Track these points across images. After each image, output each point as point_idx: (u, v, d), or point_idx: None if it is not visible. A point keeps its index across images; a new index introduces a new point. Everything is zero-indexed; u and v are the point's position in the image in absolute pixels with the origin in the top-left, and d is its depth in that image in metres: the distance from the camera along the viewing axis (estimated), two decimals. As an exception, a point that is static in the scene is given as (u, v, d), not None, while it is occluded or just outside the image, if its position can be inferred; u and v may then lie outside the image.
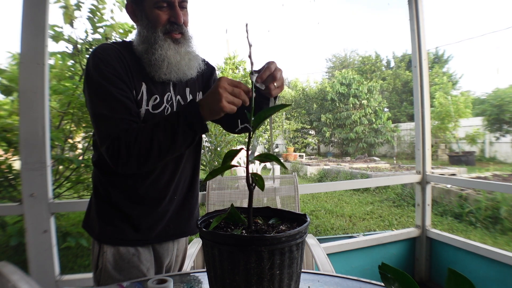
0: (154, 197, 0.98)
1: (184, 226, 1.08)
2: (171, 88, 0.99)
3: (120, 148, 0.81)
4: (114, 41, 1.10)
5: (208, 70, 1.12)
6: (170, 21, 0.91)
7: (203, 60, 1.06)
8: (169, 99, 0.98)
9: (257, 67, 0.82)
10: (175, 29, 0.92)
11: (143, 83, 0.93)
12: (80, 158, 2.64)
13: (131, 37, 1.01)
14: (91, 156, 1.05)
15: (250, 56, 0.71)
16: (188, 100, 1.03)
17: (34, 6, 1.50)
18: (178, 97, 1.01)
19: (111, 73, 0.87)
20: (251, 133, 0.69)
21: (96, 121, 0.88)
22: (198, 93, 1.07)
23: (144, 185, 0.97)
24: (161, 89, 0.97)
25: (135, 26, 0.98)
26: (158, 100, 0.95)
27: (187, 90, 1.04)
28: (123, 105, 0.86)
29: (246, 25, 0.71)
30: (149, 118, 0.93)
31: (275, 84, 0.83)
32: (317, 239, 1.69)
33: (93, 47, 2.32)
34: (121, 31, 2.52)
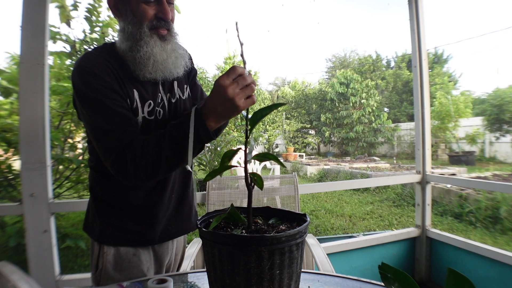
0: (152, 197, 0.98)
1: (185, 223, 1.08)
2: (161, 88, 0.96)
3: (126, 164, 0.79)
4: (96, 46, 1.06)
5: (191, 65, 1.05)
6: (157, 16, 0.86)
7: (189, 56, 1.01)
8: (159, 101, 0.95)
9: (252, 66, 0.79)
10: (162, 25, 0.87)
11: (134, 90, 0.89)
12: (80, 158, 2.64)
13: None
14: (88, 160, 1.04)
15: (242, 55, 0.70)
16: (177, 96, 0.99)
17: (34, 6, 1.50)
18: (168, 94, 0.98)
19: (101, 85, 0.82)
20: (249, 132, 0.69)
21: (96, 136, 0.85)
22: (186, 87, 1.03)
23: (142, 186, 0.97)
24: (152, 92, 0.93)
25: (118, 22, 0.93)
26: (152, 105, 0.92)
27: (175, 83, 0.99)
28: (121, 116, 0.82)
29: (236, 23, 0.70)
30: (146, 124, 0.91)
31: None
32: (317, 239, 1.69)
33: (91, 47, 2.30)
34: (117, 27, 2.52)
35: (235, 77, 0.72)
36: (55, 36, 2.36)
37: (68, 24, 2.39)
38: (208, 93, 0.85)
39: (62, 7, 2.29)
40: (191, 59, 1.06)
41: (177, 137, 0.77)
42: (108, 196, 0.97)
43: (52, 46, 2.40)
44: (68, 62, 2.54)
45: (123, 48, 0.88)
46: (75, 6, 2.38)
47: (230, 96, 0.71)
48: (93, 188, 1.00)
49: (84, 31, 2.50)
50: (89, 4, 2.44)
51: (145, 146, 0.79)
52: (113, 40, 1.24)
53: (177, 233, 1.07)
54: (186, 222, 1.08)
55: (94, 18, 2.47)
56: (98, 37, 2.52)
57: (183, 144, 0.76)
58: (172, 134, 0.78)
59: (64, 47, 2.48)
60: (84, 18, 2.44)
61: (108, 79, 0.84)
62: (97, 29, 2.50)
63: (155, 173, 0.80)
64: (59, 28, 2.38)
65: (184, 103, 1.02)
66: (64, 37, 2.43)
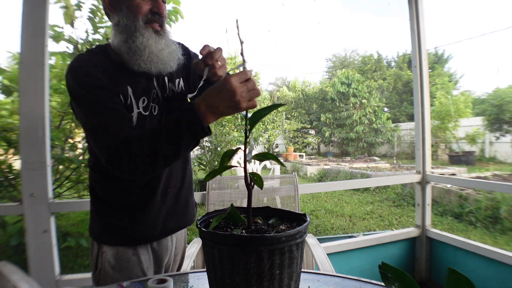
0: (150, 194, 0.98)
1: (183, 218, 1.08)
2: (155, 84, 0.97)
3: (122, 161, 0.79)
4: (88, 48, 1.07)
5: (186, 54, 1.06)
6: (152, 11, 0.89)
7: (179, 43, 1.02)
8: (154, 96, 0.96)
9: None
10: (156, 20, 0.90)
11: (128, 87, 0.90)
12: (80, 158, 2.64)
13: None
14: (87, 160, 1.04)
15: (242, 53, 0.71)
16: (168, 90, 1.00)
17: (34, 6, 1.50)
18: (161, 89, 0.99)
19: (94, 83, 0.84)
20: (248, 132, 0.69)
21: (92, 133, 0.86)
22: (178, 81, 1.04)
23: (140, 185, 0.97)
24: (146, 88, 0.95)
25: (109, 18, 0.94)
26: (146, 101, 0.94)
27: (166, 78, 1.00)
28: (116, 113, 0.84)
29: (237, 21, 0.70)
30: (141, 120, 0.92)
31: (218, 63, 0.83)
32: (317, 239, 1.69)
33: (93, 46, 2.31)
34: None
35: (245, 80, 0.73)
36: (58, 36, 2.36)
37: (72, 25, 2.39)
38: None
39: (66, 8, 2.30)
40: (184, 47, 1.07)
41: (173, 133, 0.77)
42: (107, 196, 0.98)
43: (55, 46, 2.41)
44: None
45: (117, 41, 0.89)
46: (78, 7, 2.38)
47: (237, 98, 0.72)
48: (93, 188, 1.01)
49: (87, 31, 2.50)
50: (93, 4, 2.44)
51: (141, 142, 0.79)
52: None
53: (175, 229, 1.07)
54: (183, 216, 1.08)
55: (97, 19, 2.48)
56: (101, 38, 2.52)
57: (178, 139, 0.77)
58: (168, 130, 0.78)
59: (67, 47, 2.48)
60: (88, 18, 2.44)
61: (101, 78, 0.85)
62: (101, 30, 2.50)
63: (153, 168, 0.81)
64: (62, 28, 2.38)
65: (178, 96, 1.03)
66: (67, 37, 2.44)
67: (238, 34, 0.68)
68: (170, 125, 0.78)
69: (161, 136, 0.78)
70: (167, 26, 0.95)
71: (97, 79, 0.84)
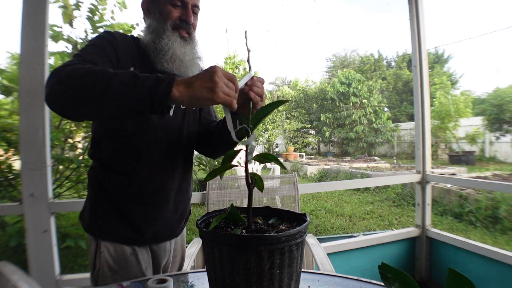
0: (148, 196, 0.97)
1: (175, 228, 1.08)
2: None
3: (60, 75, 0.71)
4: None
5: None
6: (180, 18, 0.96)
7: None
8: None
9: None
10: (184, 27, 0.96)
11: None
12: (80, 158, 2.64)
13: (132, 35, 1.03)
14: (89, 153, 1.02)
15: (248, 61, 0.73)
16: None
17: (34, 6, 1.50)
18: None
19: (109, 41, 0.89)
20: (249, 133, 0.68)
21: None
22: None
23: (139, 183, 0.96)
24: None
25: (144, 21, 1.01)
26: None
27: None
28: (100, 59, 0.83)
29: (246, 32, 0.72)
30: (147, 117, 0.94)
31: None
32: (317, 238, 1.69)
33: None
34: (121, 31, 2.52)
35: (230, 78, 0.70)
36: (57, 36, 2.36)
37: (70, 24, 2.39)
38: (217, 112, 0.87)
39: (65, 7, 2.29)
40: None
41: (138, 75, 0.70)
42: (104, 188, 0.97)
43: (54, 46, 2.41)
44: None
45: (146, 40, 0.97)
46: (77, 6, 2.38)
47: (215, 80, 0.67)
48: (93, 185, 1.00)
49: (85, 31, 2.50)
50: (92, 4, 2.44)
51: (92, 67, 0.73)
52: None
53: (166, 238, 1.06)
54: (175, 228, 1.08)
55: (96, 18, 2.47)
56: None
57: (138, 80, 0.69)
58: (123, 73, 0.71)
59: (66, 47, 2.48)
60: (86, 18, 2.44)
61: (119, 45, 0.90)
62: (99, 29, 2.50)
63: (84, 95, 0.70)
64: (61, 27, 2.38)
65: (194, 112, 1.07)
66: (66, 37, 2.43)
67: (246, 43, 0.71)
68: (135, 75, 0.71)
69: (120, 73, 0.71)
70: (195, 35, 1.00)
71: (115, 42, 0.90)
